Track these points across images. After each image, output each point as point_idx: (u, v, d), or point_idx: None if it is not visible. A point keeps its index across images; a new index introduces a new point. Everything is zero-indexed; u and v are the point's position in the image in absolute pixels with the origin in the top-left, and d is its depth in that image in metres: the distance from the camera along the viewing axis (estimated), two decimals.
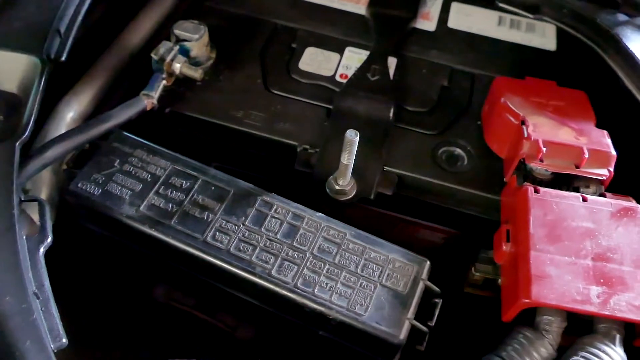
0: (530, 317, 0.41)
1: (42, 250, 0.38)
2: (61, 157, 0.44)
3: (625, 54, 0.49)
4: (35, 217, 0.41)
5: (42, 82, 0.44)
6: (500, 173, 0.49)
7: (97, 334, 0.48)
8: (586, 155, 0.44)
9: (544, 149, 0.44)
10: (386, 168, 0.50)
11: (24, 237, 0.38)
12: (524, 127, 0.46)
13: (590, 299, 0.37)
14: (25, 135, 0.42)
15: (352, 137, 0.42)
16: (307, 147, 0.51)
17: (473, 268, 0.46)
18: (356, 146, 0.43)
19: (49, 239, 0.39)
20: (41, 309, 0.35)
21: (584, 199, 0.43)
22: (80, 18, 0.48)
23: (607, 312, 0.37)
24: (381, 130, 0.52)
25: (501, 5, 0.61)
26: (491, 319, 0.45)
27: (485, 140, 0.52)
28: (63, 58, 0.46)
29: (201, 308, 0.48)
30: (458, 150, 0.52)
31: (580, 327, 0.40)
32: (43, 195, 0.45)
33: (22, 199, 0.40)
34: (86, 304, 0.49)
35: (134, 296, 0.50)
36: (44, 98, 0.45)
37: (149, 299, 0.49)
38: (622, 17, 0.53)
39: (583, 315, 0.39)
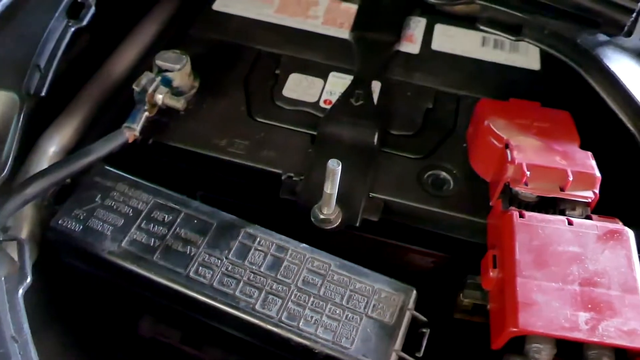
0: (521, 344, 0.40)
1: (21, 291, 0.38)
2: (42, 194, 0.44)
3: (606, 74, 0.49)
4: (15, 255, 0.40)
5: (22, 118, 0.44)
6: (487, 196, 0.49)
7: None
8: (570, 178, 0.43)
9: (528, 173, 0.44)
10: (371, 194, 0.50)
11: (3, 278, 0.37)
12: (508, 150, 0.46)
13: (578, 325, 0.37)
14: (4, 173, 0.42)
15: (334, 166, 0.41)
16: (292, 174, 0.51)
17: (461, 294, 0.45)
18: (339, 175, 0.42)
19: (28, 279, 0.39)
20: (19, 353, 0.34)
21: (570, 222, 0.42)
22: (60, 52, 0.48)
23: (596, 339, 0.37)
24: (366, 156, 0.52)
25: (483, 28, 0.61)
26: (482, 345, 0.45)
27: (470, 164, 0.51)
28: (43, 93, 0.46)
29: (187, 341, 0.48)
30: (444, 174, 0.52)
31: (571, 352, 0.39)
32: (25, 231, 0.45)
33: (2, 238, 0.40)
34: (71, 340, 0.48)
35: (120, 331, 0.49)
36: (26, 132, 0.44)
37: (135, 333, 0.48)
38: (602, 37, 0.54)
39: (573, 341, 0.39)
